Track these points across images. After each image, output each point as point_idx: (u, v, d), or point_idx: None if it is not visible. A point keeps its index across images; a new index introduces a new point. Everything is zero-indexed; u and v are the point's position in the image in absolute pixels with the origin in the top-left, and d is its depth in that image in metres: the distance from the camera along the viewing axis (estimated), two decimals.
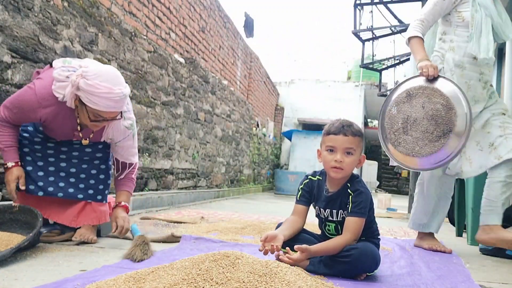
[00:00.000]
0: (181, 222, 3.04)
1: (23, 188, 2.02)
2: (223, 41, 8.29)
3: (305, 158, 12.09)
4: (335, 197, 1.72)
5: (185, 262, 1.29)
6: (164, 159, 4.78)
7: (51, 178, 2.13)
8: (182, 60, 5.35)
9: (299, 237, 1.77)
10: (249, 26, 9.95)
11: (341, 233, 1.67)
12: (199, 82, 5.79)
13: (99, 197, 2.22)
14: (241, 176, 8.40)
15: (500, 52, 6.20)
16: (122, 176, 2.27)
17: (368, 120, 19.15)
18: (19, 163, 2.05)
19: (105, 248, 2.00)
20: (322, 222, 1.81)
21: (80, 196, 2.17)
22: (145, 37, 4.37)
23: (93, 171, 2.22)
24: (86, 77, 1.89)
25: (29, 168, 2.10)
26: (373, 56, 5.86)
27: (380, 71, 5.74)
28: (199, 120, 5.87)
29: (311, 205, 1.84)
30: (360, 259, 1.56)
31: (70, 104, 1.97)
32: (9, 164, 2.01)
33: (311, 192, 1.80)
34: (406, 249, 2.35)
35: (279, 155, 13.20)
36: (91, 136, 2.14)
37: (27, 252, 1.77)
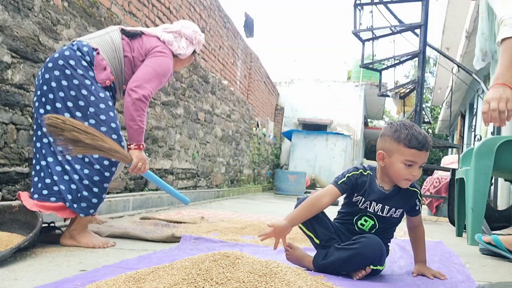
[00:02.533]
0: (181, 222, 3.04)
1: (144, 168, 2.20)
2: (223, 41, 8.29)
3: (305, 158, 12.10)
4: (391, 195, 1.68)
5: (185, 262, 1.29)
6: (164, 159, 4.78)
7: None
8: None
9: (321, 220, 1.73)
10: (249, 26, 9.95)
11: (376, 231, 1.68)
12: (199, 82, 5.79)
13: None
14: (241, 176, 8.40)
15: None
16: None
17: (368, 120, 19.16)
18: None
19: (105, 248, 2.00)
20: (358, 216, 1.70)
21: None
22: None
23: None
24: (194, 29, 2.52)
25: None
26: (373, 56, 5.86)
27: (380, 71, 5.74)
28: (199, 120, 5.87)
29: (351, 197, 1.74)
30: (369, 247, 1.56)
31: (187, 54, 2.46)
32: (142, 145, 2.20)
33: (356, 185, 1.70)
34: (406, 249, 2.35)
35: (279, 155, 13.20)
36: None
37: (27, 252, 1.77)
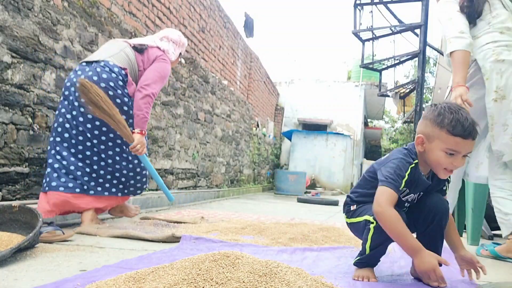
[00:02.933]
0: (181, 222, 3.04)
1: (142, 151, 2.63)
2: (223, 41, 8.29)
3: (305, 158, 12.10)
4: (430, 182, 1.58)
5: (185, 262, 1.29)
6: (164, 159, 4.78)
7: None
8: (182, 60, 5.35)
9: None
10: (249, 26, 9.95)
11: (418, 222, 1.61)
12: (199, 82, 5.79)
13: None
14: (241, 176, 8.40)
15: None
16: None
17: (368, 120, 19.16)
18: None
19: (105, 248, 2.00)
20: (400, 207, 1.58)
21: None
22: None
23: None
24: (176, 35, 2.98)
25: None
26: (373, 56, 5.86)
27: (380, 71, 5.74)
28: (199, 120, 5.87)
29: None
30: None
31: (175, 56, 2.95)
32: (142, 132, 2.61)
33: (412, 180, 1.53)
34: None
35: (279, 155, 13.20)
36: None
37: (27, 252, 1.77)
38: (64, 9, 3.09)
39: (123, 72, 2.61)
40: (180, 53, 3.01)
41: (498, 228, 3.70)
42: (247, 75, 10.37)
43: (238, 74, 9.55)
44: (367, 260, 1.60)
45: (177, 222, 3.04)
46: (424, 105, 5.88)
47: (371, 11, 5.36)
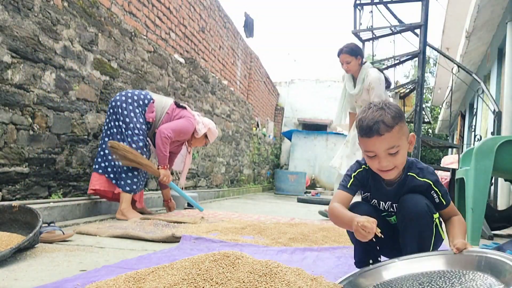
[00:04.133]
0: (181, 222, 3.04)
1: (172, 183, 3.58)
2: (223, 41, 8.29)
3: (305, 158, 12.09)
4: (397, 191, 1.48)
5: (185, 262, 1.29)
6: None
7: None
8: (182, 60, 5.35)
9: None
10: (249, 26, 9.95)
11: (398, 225, 1.51)
12: (199, 82, 5.79)
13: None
14: (241, 176, 8.40)
15: (500, 52, 6.20)
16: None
17: None
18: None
19: (105, 248, 2.00)
20: (384, 215, 1.59)
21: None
22: (145, 37, 4.37)
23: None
24: (211, 128, 3.73)
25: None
26: (373, 56, 5.86)
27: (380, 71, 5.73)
28: None
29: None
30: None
31: (200, 134, 3.64)
32: (168, 166, 3.46)
33: (363, 183, 1.53)
34: None
35: (279, 155, 13.20)
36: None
37: (27, 252, 1.77)
38: (64, 9, 3.09)
39: (148, 96, 3.38)
40: (206, 136, 3.72)
41: (498, 228, 3.71)
42: (247, 75, 10.37)
43: (238, 74, 9.55)
44: (359, 259, 1.60)
45: (177, 222, 3.04)
46: (424, 105, 5.87)
47: (371, 11, 5.36)
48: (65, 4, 3.11)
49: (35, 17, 2.80)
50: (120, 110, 3.27)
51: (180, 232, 2.43)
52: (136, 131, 3.26)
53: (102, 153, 3.25)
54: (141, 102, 3.36)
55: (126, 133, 3.25)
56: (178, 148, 3.72)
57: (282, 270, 1.28)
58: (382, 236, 1.32)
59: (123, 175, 3.21)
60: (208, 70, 6.31)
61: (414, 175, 1.48)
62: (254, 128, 9.46)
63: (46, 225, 2.13)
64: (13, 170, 2.68)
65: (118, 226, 2.65)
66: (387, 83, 3.83)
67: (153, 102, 3.39)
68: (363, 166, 1.54)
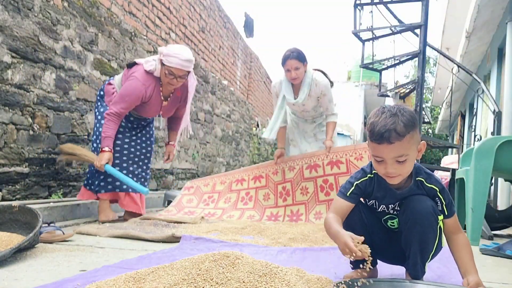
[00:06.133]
0: (181, 222, 3.04)
1: (107, 166, 2.80)
2: (223, 41, 8.29)
3: None
4: (406, 194, 1.46)
5: (185, 262, 1.29)
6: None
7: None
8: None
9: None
10: (249, 26, 9.95)
11: (400, 226, 1.50)
12: (199, 82, 5.79)
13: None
14: None
15: (500, 52, 6.20)
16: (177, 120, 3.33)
17: None
18: (112, 150, 2.85)
19: (105, 248, 2.00)
20: (384, 219, 1.57)
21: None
22: (145, 37, 4.37)
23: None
24: (168, 47, 2.89)
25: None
26: (373, 56, 5.85)
27: (380, 71, 5.73)
28: (199, 120, 5.87)
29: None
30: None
31: (158, 68, 2.87)
32: (106, 149, 2.81)
33: (366, 192, 1.51)
34: None
35: None
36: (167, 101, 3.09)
37: (27, 252, 1.77)
38: (64, 9, 3.09)
39: (105, 83, 3.05)
40: (163, 64, 2.86)
41: (498, 228, 3.71)
42: (247, 75, 10.37)
43: (238, 74, 9.55)
44: (354, 260, 1.59)
45: (177, 222, 3.04)
46: (424, 105, 5.87)
47: (371, 11, 5.36)
48: (65, 4, 3.11)
49: (35, 17, 2.80)
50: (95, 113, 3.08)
51: (180, 232, 2.43)
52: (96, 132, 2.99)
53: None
54: (101, 93, 3.06)
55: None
56: (163, 108, 3.10)
57: (282, 270, 1.28)
58: (371, 257, 1.30)
59: (94, 178, 2.97)
60: (208, 70, 6.31)
61: (423, 180, 1.47)
62: (254, 128, 9.46)
63: (46, 225, 2.13)
64: (13, 170, 2.68)
65: (118, 226, 2.65)
66: (331, 83, 3.59)
67: (108, 84, 3.03)
68: (368, 175, 1.51)
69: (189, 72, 2.94)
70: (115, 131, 2.87)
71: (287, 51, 3.43)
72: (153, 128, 3.31)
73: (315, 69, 3.57)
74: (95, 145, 3.00)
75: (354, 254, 1.25)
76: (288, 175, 3.67)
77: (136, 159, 3.08)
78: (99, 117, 2.98)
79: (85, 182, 3.04)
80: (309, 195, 3.53)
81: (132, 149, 3.06)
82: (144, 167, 3.16)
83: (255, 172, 3.82)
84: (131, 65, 2.97)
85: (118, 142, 2.97)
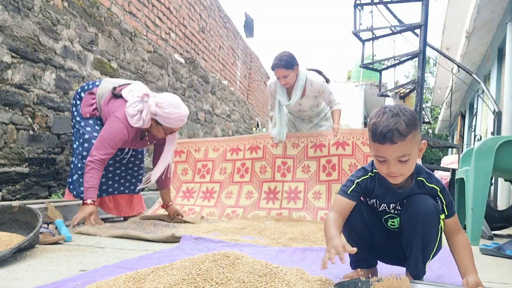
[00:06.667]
0: (181, 222, 3.04)
1: (93, 223, 2.54)
2: (223, 41, 8.29)
3: None
4: (407, 194, 1.47)
5: (185, 262, 1.29)
6: None
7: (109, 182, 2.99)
8: (182, 60, 5.35)
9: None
10: (249, 26, 9.95)
11: (402, 225, 1.50)
12: (199, 82, 5.79)
13: (137, 190, 3.17)
14: None
15: (500, 52, 6.20)
16: (163, 177, 3.00)
17: (368, 120, 19.11)
18: (95, 202, 2.60)
19: (105, 248, 2.00)
20: (385, 218, 1.57)
21: (126, 191, 3.10)
22: (145, 37, 4.37)
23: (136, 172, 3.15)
24: (162, 107, 2.63)
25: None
26: (373, 56, 5.85)
27: (380, 71, 5.73)
28: (199, 120, 5.87)
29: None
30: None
31: (148, 125, 2.69)
32: (89, 201, 2.56)
33: (366, 190, 1.51)
34: None
35: None
36: (153, 143, 2.96)
37: (27, 252, 1.77)
38: (64, 9, 3.09)
39: (91, 85, 2.84)
40: (161, 124, 2.69)
41: (498, 228, 3.71)
42: (247, 75, 10.37)
43: (238, 74, 9.55)
44: (354, 259, 1.60)
45: (177, 222, 3.04)
46: (424, 105, 5.87)
47: (371, 11, 5.35)
48: (65, 4, 3.11)
49: (35, 17, 2.80)
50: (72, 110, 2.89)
51: (180, 232, 2.43)
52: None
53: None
54: (82, 95, 2.83)
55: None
56: (136, 145, 2.91)
57: (282, 271, 1.28)
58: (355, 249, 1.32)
59: (77, 183, 2.80)
60: (208, 70, 6.31)
61: (424, 179, 1.47)
62: (254, 128, 9.46)
63: (46, 225, 2.13)
64: (13, 170, 2.68)
65: (118, 226, 2.65)
66: (326, 80, 3.58)
67: (90, 93, 2.80)
68: (369, 174, 1.52)
69: None
70: (99, 180, 2.63)
71: (275, 59, 3.39)
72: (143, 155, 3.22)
73: (310, 69, 3.58)
74: (74, 136, 2.82)
75: (334, 260, 1.28)
76: (291, 151, 3.65)
77: (129, 171, 3.10)
78: (77, 126, 2.80)
79: (69, 184, 2.87)
80: (310, 173, 3.52)
81: (121, 166, 3.04)
82: (135, 174, 3.14)
83: (252, 142, 3.78)
84: (116, 96, 2.74)
85: (86, 145, 2.76)
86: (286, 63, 3.34)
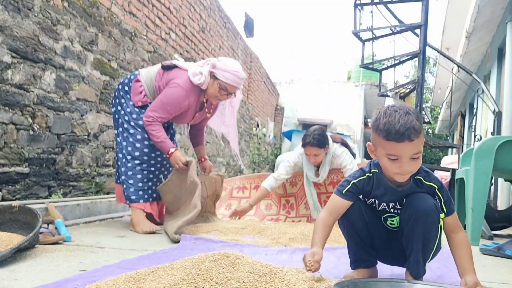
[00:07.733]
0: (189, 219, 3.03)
1: (185, 164, 2.66)
2: (223, 41, 8.29)
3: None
4: (407, 192, 1.47)
5: (185, 262, 1.29)
6: None
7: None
8: (182, 60, 5.35)
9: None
10: (249, 26, 9.95)
11: (402, 224, 1.50)
12: None
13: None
14: None
15: (500, 52, 6.20)
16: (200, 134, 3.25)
17: (368, 120, 19.13)
18: (177, 147, 2.73)
19: (105, 248, 2.00)
20: (384, 217, 1.57)
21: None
22: (145, 37, 4.38)
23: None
24: (221, 61, 2.74)
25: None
26: (373, 56, 5.85)
27: (380, 71, 5.73)
28: None
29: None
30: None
31: (207, 83, 2.71)
32: (172, 150, 2.65)
33: (363, 190, 1.52)
34: None
35: (279, 155, 13.19)
36: (210, 113, 3.01)
37: (27, 252, 1.77)
38: (64, 9, 3.09)
39: (132, 76, 2.80)
40: (216, 77, 2.72)
41: (498, 228, 3.71)
42: (247, 75, 10.38)
43: None
44: (354, 259, 1.60)
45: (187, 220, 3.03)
46: (424, 105, 5.88)
47: (371, 11, 5.35)
48: (65, 4, 3.11)
49: (35, 17, 2.80)
50: (113, 109, 2.85)
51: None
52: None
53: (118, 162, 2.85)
54: (126, 88, 2.79)
55: (123, 136, 2.76)
56: (195, 117, 2.95)
57: (282, 270, 1.28)
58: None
59: (125, 185, 2.75)
60: None
61: (421, 178, 1.47)
62: (254, 128, 9.47)
63: (46, 226, 2.13)
64: (13, 170, 2.68)
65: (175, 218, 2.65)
66: (353, 155, 3.41)
67: (136, 80, 2.77)
68: (366, 174, 1.52)
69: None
70: (164, 132, 2.67)
71: (307, 136, 3.25)
72: (175, 135, 3.11)
73: (335, 141, 3.42)
74: (121, 136, 2.76)
75: (308, 274, 1.36)
76: (291, 190, 3.67)
77: (158, 165, 2.84)
78: (126, 118, 2.74)
79: (117, 178, 2.86)
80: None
81: (153, 155, 2.81)
82: (163, 170, 2.91)
83: (257, 181, 3.80)
84: (169, 67, 2.77)
85: (138, 145, 2.72)
86: (319, 142, 3.20)
